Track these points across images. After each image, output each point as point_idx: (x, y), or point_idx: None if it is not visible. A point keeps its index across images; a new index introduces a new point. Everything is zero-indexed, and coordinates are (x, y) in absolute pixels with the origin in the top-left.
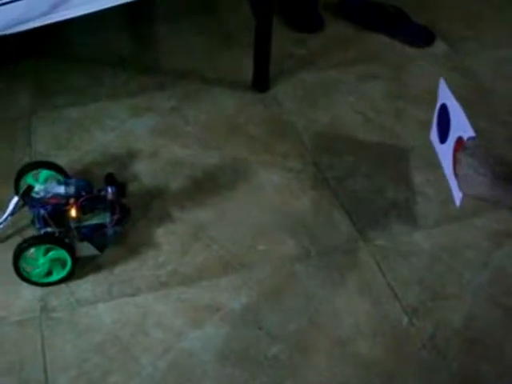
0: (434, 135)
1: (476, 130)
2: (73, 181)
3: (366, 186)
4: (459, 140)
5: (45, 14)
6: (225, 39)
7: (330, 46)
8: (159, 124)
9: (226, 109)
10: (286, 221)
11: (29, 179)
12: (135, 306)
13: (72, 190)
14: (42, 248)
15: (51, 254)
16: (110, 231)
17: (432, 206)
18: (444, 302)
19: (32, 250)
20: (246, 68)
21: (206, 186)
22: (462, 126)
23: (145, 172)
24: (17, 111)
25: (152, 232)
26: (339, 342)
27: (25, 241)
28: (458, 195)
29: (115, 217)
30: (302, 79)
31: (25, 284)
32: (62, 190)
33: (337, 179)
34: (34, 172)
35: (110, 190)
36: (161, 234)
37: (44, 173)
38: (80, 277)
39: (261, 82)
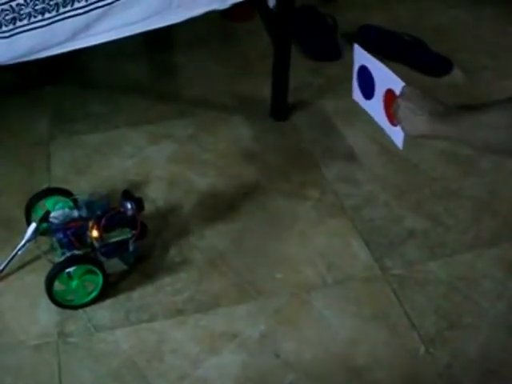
0: (357, 95)
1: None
2: (83, 203)
3: (384, 214)
4: (389, 92)
5: (65, 42)
6: (243, 67)
7: (348, 74)
8: (177, 151)
9: (243, 137)
10: (303, 249)
11: (39, 211)
12: (152, 333)
13: (84, 211)
14: (83, 268)
15: (87, 276)
16: (131, 247)
17: (449, 235)
18: (461, 332)
19: (70, 270)
20: (264, 96)
21: (224, 213)
22: (389, 80)
23: (162, 199)
24: (36, 137)
25: (169, 259)
26: (356, 371)
27: (66, 260)
28: (398, 139)
29: (136, 232)
30: (320, 108)
31: (43, 309)
32: (75, 214)
33: (354, 208)
34: (41, 202)
35: (129, 205)
36: (178, 260)
37: (50, 200)
38: (97, 302)
39: (279, 111)
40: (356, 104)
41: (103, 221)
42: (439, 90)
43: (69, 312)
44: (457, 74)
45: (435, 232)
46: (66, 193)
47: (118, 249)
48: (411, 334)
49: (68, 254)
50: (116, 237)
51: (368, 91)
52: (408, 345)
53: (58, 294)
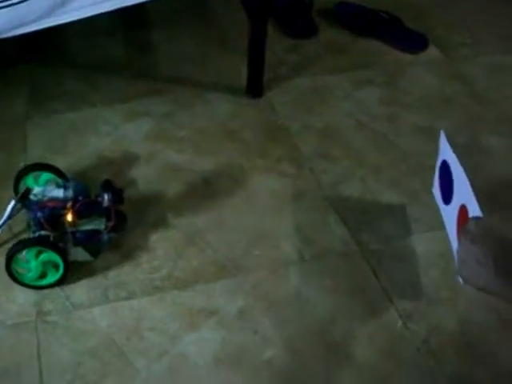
0: (436, 190)
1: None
2: (71, 184)
3: (361, 190)
4: (463, 208)
5: (41, 18)
6: (219, 45)
7: (324, 51)
8: (154, 129)
9: (220, 114)
10: (280, 225)
11: (29, 181)
12: (130, 310)
13: (70, 193)
14: (34, 250)
15: (42, 256)
16: (104, 237)
17: (426, 210)
18: (438, 307)
19: (24, 253)
20: (241, 74)
21: (202, 191)
22: (466, 197)
23: (140, 177)
24: (12, 116)
25: (147, 237)
26: (334, 346)
27: (16, 243)
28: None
29: (110, 223)
30: (296, 85)
31: (19, 288)
32: (60, 193)
33: (331, 184)
34: (36, 174)
35: (106, 196)
36: (155, 238)
37: (45, 175)
38: (74, 281)
39: (255, 88)
40: (330, 82)
41: (78, 206)
42: (415, 66)
43: (46, 291)
44: (433, 51)
45: (413, 208)
46: (58, 172)
47: (88, 237)
48: (389, 308)
49: (37, 233)
50: (89, 225)
51: (446, 194)
52: (386, 320)
53: (22, 276)
